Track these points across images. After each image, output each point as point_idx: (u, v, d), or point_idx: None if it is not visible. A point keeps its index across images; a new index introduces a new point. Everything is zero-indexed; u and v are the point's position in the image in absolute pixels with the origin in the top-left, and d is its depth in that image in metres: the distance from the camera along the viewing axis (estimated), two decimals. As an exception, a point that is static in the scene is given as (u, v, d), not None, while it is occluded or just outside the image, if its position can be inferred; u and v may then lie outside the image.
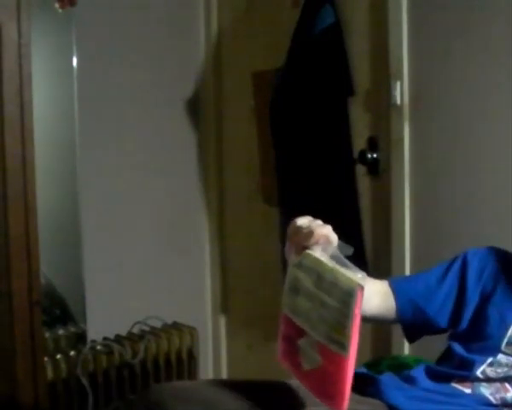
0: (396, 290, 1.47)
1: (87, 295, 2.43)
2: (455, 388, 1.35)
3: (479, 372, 1.35)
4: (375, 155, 2.24)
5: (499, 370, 1.35)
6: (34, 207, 1.96)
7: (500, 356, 1.36)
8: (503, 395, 1.32)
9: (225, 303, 2.89)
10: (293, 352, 1.16)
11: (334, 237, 1.18)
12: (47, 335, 2.29)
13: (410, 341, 1.54)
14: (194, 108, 2.83)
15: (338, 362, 1.07)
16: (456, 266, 1.51)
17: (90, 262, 2.45)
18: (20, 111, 1.91)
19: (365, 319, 1.38)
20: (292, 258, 1.19)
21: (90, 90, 2.45)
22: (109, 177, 2.56)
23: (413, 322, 1.48)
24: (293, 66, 2.33)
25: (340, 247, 1.17)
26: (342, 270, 1.10)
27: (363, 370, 1.47)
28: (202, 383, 1.40)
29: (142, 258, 2.66)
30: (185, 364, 2.60)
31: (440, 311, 1.47)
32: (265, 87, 2.50)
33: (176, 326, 2.63)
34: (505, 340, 1.37)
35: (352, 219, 2.26)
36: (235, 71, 2.77)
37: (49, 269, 2.31)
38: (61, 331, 2.42)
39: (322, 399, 1.11)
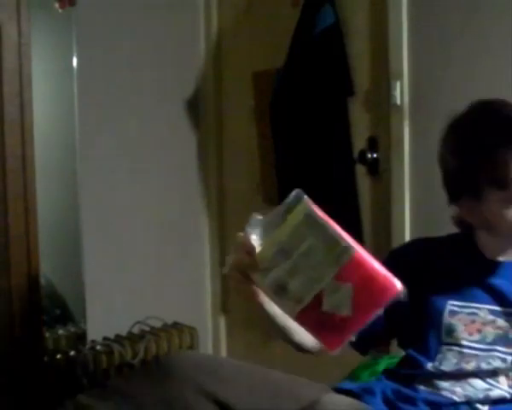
0: None
1: (87, 295, 2.42)
2: (418, 389, 1.36)
3: (431, 368, 1.36)
4: (375, 155, 2.24)
5: (449, 362, 1.35)
6: (34, 207, 1.96)
7: (444, 348, 1.36)
8: (466, 389, 1.32)
9: (225, 303, 2.89)
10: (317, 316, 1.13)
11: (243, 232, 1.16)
12: (47, 335, 2.29)
13: (363, 353, 1.52)
14: (194, 108, 2.83)
15: (356, 264, 1.07)
16: None
17: (90, 262, 2.45)
18: (20, 111, 1.91)
19: (315, 352, 1.38)
20: (254, 277, 1.14)
21: (90, 90, 2.45)
22: (109, 177, 2.56)
23: (358, 335, 1.47)
24: (294, 66, 2.33)
25: (254, 223, 1.15)
26: (282, 225, 1.10)
27: (349, 385, 1.46)
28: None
29: (142, 258, 2.66)
30: (185, 364, 2.60)
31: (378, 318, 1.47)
32: (265, 87, 2.50)
33: (176, 326, 2.63)
34: (443, 330, 1.37)
35: (352, 219, 2.26)
36: (235, 71, 2.77)
37: (49, 269, 2.31)
38: (60, 331, 2.42)
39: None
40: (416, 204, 2.11)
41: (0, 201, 1.91)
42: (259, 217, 1.14)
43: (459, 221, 1.48)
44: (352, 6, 2.27)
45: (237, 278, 1.14)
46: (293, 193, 1.11)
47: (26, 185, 1.93)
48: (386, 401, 1.35)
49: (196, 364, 1.31)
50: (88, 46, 2.43)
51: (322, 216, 1.09)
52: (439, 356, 1.36)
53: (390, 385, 1.38)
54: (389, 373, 1.46)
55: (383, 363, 1.69)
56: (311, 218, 1.08)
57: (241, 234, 1.14)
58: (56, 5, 2.33)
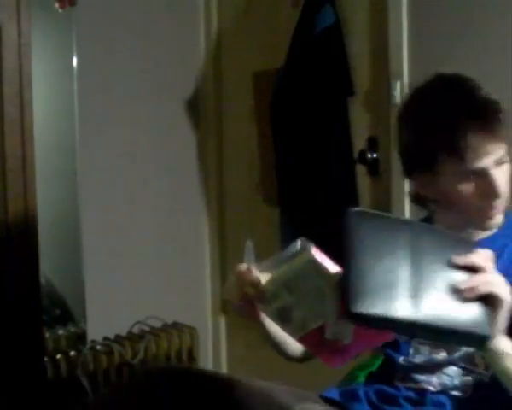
0: None
1: (87, 295, 2.43)
2: (398, 387, 1.35)
3: (403, 362, 1.36)
4: (375, 155, 2.24)
5: (421, 355, 1.35)
6: (34, 207, 1.96)
7: (414, 343, 1.36)
8: (442, 378, 1.32)
9: (225, 303, 2.89)
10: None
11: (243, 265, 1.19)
12: (47, 335, 2.29)
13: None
14: (194, 108, 2.83)
15: None
16: None
17: (90, 262, 2.45)
18: (20, 111, 1.91)
19: (305, 361, 1.39)
20: (260, 307, 1.20)
21: (90, 90, 2.45)
22: (109, 177, 2.56)
23: None
24: (293, 66, 2.33)
25: (248, 251, 1.20)
26: (287, 264, 1.12)
27: (334, 393, 1.45)
28: None
29: (142, 258, 2.66)
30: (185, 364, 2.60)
31: None
32: (265, 87, 2.50)
33: (176, 326, 2.63)
34: None
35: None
36: (235, 71, 2.77)
37: (49, 269, 2.31)
38: (61, 331, 2.42)
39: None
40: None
41: (0, 201, 1.91)
42: (251, 244, 1.19)
43: (415, 197, 1.46)
44: (352, 6, 2.27)
45: (240, 305, 1.19)
46: (298, 241, 1.12)
47: (26, 185, 1.93)
48: (371, 404, 1.35)
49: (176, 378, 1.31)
50: (88, 46, 2.43)
51: (326, 265, 1.09)
52: (412, 351, 1.36)
53: (372, 387, 1.38)
54: (372, 375, 1.47)
55: (378, 363, 1.69)
56: (315, 264, 1.09)
57: (243, 266, 1.18)
58: (56, 5, 2.33)
